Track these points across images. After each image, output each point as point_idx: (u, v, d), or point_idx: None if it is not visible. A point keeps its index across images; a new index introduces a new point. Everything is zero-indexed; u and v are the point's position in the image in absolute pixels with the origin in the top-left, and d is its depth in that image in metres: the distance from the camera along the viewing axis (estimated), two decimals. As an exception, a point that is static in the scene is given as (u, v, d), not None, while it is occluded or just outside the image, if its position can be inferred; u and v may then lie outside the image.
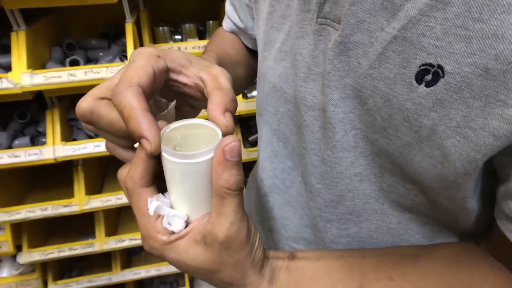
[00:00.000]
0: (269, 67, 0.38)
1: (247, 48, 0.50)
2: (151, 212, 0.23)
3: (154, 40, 1.04)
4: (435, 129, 0.24)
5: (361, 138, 0.30)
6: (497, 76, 0.21)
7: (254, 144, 1.29)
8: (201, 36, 1.14)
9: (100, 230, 1.14)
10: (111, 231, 1.21)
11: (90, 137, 1.00)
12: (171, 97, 0.28)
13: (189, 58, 0.27)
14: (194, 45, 0.99)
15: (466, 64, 0.21)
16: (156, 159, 0.23)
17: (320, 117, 0.32)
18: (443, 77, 0.22)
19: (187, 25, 1.07)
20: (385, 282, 0.28)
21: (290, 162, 0.39)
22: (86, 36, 1.03)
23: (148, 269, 1.26)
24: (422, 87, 0.24)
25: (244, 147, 1.22)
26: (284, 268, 0.28)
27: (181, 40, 1.10)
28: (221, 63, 0.38)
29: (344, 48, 0.28)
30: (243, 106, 1.10)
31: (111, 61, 0.95)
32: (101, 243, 1.13)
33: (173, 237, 0.24)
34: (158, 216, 0.24)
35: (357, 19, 0.26)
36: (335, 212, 0.35)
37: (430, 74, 0.23)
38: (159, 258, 1.18)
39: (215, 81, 0.25)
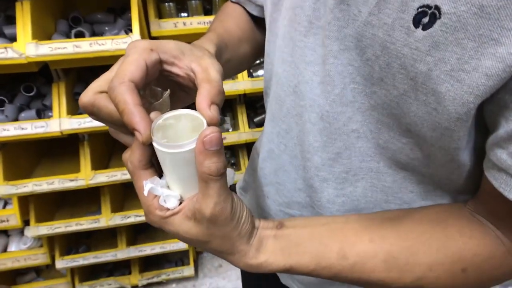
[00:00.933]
0: (278, 27, 0.38)
1: (253, 18, 0.50)
2: (145, 193, 0.26)
3: (160, 15, 1.03)
4: (430, 74, 0.25)
5: (359, 92, 0.31)
6: (491, 14, 0.21)
7: (259, 125, 1.28)
8: (207, 13, 1.13)
9: (106, 206, 1.16)
10: (117, 208, 1.22)
11: (96, 111, 1.00)
12: (166, 86, 0.30)
13: (182, 49, 0.29)
14: (199, 20, 0.98)
15: (463, 3, 0.22)
16: (151, 147, 0.26)
17: (319, 71, 0.32)
18: (439, 18, 0.23)
19: (193, 2, 1.06)
20: (365, 244, 0.30)
21: (284, 125, 0.39)
22: (92, 10, 1.02)
23: (153, 246, 1.27)
24: (419, 30, 0.24)
25: (249, 127, 1.21)
26: (271, 237, 0.30)
27: (187, 16, 1.09)
28: (222, 45, 0.39)
29: None
30: (249, 84, 1.09)
31: (117, 34, 0.95)
32: (106, 218, 1.15)
33: (168, 213, 0.27)
34: (155, 196, 0.27)
35: None
36: (332, 171, 0.35)
37: (427, 17, 0.23)
38: (163, 236, 1.20)
39: (205, 73, 0.27)
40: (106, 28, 0.97)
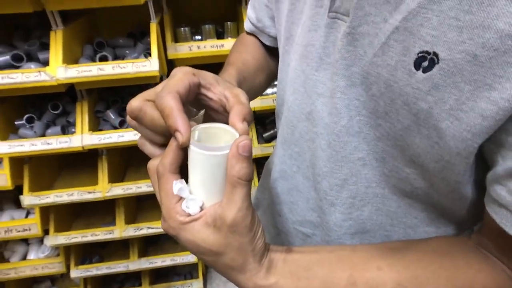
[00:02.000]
0: (291, 59, 0.41)
1: (266, 47, 0.55)
2: (175, 191, 0.28)
3: (176, 39, 1.12)
4: (431, 112, 0.27)
5: (365, 124, 0.33)
6: (484, 62, 0.23)
7: (268, 140, 1.33)
8: (220, 36, 1.21)
9: (120, 218, 1.21)
10: (130, 220, 1.28)
11: (115, 127, 1.07)
12: (200, 109, 0.33)
13: (217, 78, 0.33)
14: (212, 44, 1.05)
15: (458, 51, 0.24)
16: (184, 152, 0.28)
17: (328, 103, 0.35)
18: (438, 63, 0.25)
19: (206, 26, 1.14)
20: (373, 272, 0.30)
21: (297, 149, 0.42)
22: (114, 35, 1.11)
23: (163, 258, 1.31)
24: (420, 73, 0.26)
25: (258, 143, 1.26)
26: (281, 260, 0.31)
27: (201, 39, 1.17)
28: (241, 78, 0.43)
29: (351, 38, 0.31)
30: (258, 103, 1.15)
31: (137, 58, 1.03)
32: (120, 230, 1.20)
33: (188, 218, 0.28)
34: (179, 200, 0.28)
35: (364, 12, 0.30)
36: (339, 196, 0.37)
37: (426, 61, 0.26)
38: (173, 248, 1.23)
39: (236, 98, 0.31)
40: (127, 51, 1.06)
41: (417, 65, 0.26)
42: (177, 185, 0.28)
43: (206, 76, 0.32)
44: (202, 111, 0.33)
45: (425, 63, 0.26)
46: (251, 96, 0.50)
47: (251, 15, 0.53)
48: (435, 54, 0.25)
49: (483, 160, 0.28)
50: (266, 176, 0.55)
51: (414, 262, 0.31)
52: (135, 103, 0.29)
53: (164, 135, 0.30)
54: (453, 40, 0.24)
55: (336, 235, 0.39)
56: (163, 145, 0.31)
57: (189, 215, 0.28)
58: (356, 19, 0.30)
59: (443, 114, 0.26)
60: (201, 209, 0.28)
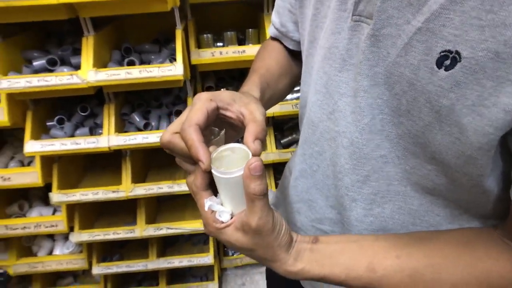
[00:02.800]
0: (314, 61, 0.43)
1: (289, 51, 0.56)
2: (206, 208, 0.34)
3: (199, 45, 1.15)
4: (453, 108, 0.28)
5: (387, 122, 0.34)
6: (506, 59, 0.24)
7: (286, 146, 1.34)
8: (241, 42, 1.24)
9: (141, 218, 1.25)
10: (151, 220, 1.31)
11: (139, 129, 1.12)
12: (222, 126, 0.38)
13: (234, 97, 0.36)
14: (234, 50, 1.08)
15: (480, 49, 0.25)
16: (210, 173, 0.33)
17: (351, 103, 0.36)
18: (460, 61, 0.26)
19: (228, 33, 1.17)
20: (392, 260, 0.33)
21: (317, 148, 0.43)
22: (140, 41, 1.16)
23: (181, 259, 1.34)
24: (442, 71, 0.27)
25: (276, 148, 1.28)
26: (308, 249, 0.35)
27: (223, 46, 1.20)
28: (264, 85, 0.46)
29: (375, 40, 0.32)
30: (277, 108, 1.16)
31: (162, 63, 1.07)
32: (141, 229, 1.23)
33: (222, 225, 0.34)
34: (213, 212, 0.34)
35: (387, 14, 0.31)
36: (361, 192, 0.39)
37: (449, 60, 0.27)
38: (190, 250, 1.26)
39: (251, 115, 0.34)
40: (152, 57, 1.10)
41: (439, 63, 0.27)
42: (208, 203, 0.33)
43: (223, 98, 0.35)
44: (223, 131, 0.37)
45: (447, 62, 0.27)
46: (275, 100, 0.52)
47: (275, 20, 0.55)
48: (457, 52, 0.26)
49: (505, 152, 0.29)
50: (287, 176, 0.57)
51: (433, 251, 0.33)
52: (165, 138, 0.34)
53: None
54: (475, 38, 0.25)
55: (357, 230, 0.41)
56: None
57: (222, 222, 0.33)
58: (379, 21, 0.32)
59: (465, 110, 0.27)
60: (231, 216, 0.34)
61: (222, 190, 0.33)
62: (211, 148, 0.34)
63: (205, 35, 1.15)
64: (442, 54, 0.27)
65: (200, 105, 0.33)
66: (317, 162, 0.44)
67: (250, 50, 1.08)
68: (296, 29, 0.52)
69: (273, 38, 0.57)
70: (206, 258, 1.33)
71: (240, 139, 0.36)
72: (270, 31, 0.57)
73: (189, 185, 0.35)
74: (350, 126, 0.37)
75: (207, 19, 1.27)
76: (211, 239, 1.39)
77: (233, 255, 1.55)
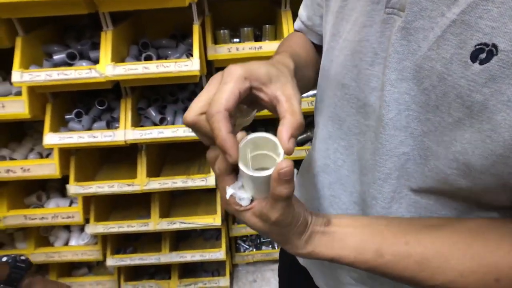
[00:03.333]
0: (335, 55, 0.42)
1: (314, 46, 0.55)
2: (227, 196, 0.33)
3: (216, 41, 1.15)
4: (487, 104, 0.27)
5: (413, 118, 0.33)
6: None
7: (300, 144, 1.33)
8: (257, 39, 1.23)
9: (155, 211, 1.26)
10: (164, 214, 1.32)
11: (155, 124, 1.12)
12: (253, 106, 0.35)
13: (270, 75, 0.31)
14: (250, 46, 1.08)
15: None
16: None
17: (378, 97, 0.36)
18: (496, 54, 0.25)
19: (245, 29, 1.16)
20: (400, 246, 0.33)
21: (343, 142, 0.42)
22: (157, 36, 1.17)
23: (193, 253, 1.35)
24: (476, 65, 0.26)
25: (290, 145, 1.27)
26: (320, 233, 0.36)
27: (239, 42, 1.20)
28: (295, 64, 0.42)
29: (405, 33, 0.31)
30: (293, 105, 1.15)
31: (179, 58, 1.07)
32: (155, 223, 1.25)
33: (241, 208, 0.34)
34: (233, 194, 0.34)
35: (420, 7, 0.30)
36: (381, 191, 0.38)
37: (484, 53, 0.26)
38: (202, 245, 1.28)
39: (289, 103, 0.30)
40: (169, 52, 1.10)
41: (474, 57, 0.26)
42: (229, 190, 0.33)
43: (259, 76, 0.31)
44: (255, 111, 0.34)
45: (483, 55, 0.26)
46: (302, 89, 0.50)
47: (302, 14, 0.54)
48: (494, 45, 0.25)
49: None
50: (303, 174, 0.56)
51: (442, 239, 0.33)
52: (189, 119, 0.31)
53: None
54: None
55: None
56: None
57: (242, 206, 0.33)
58: (411, 14, 0.31)
59: (499, 105, 0.26)
60: (251, 201, 0.34)
61: (246, 182, 0.32)
62: (239, 136, 0.31)
63: (221, 30, 1.14)
64: (477, 47, 0.26)
65: (232, 85, 0.29)
66: (342, 157, 0.43)
67: (266, 47, 1.07)
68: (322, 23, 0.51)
69: (298, 31, 0.56)
70: (218, 254, 1.34)
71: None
72: (295, 24, 0.56)
73: (210, 161, 0.34)
74: (378, 120, 0.36)
75: (224, 14, 1.26)
76: (223, 235, 1.39)
77: (244, 251, 1.56)
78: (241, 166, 0.30)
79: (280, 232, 0.34)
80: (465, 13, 0.27)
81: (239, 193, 0.33)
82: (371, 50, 0.36)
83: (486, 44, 0.26)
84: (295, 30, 0.57)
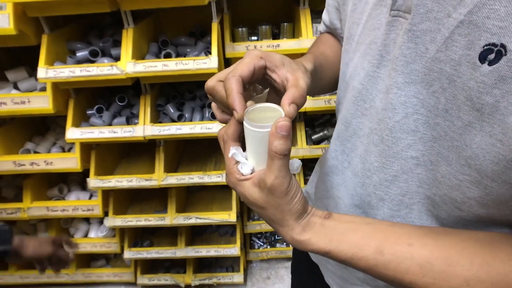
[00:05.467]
0: (349, 58, 0.42)
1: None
2: (229, 154, 0.34)
3: (234, 39, 1.16)
4: (498, 106, 0.26)
5: (422, 123, 0.33)
6: None
7: (316, 142, 1.33)
8: (275, 37, 1.23)
9: (171, 206, 1.28)
10: (180, 209, 1.34)
11: (173, 121, 1.14)
12: (266, 86, 0.38)
13: (284, 61, 0.36)
14: (268, 44, 1.08)
15: None
16: (242, 126, 0.34)
17: (383, 99, 0.36)
18: (505, 55, 0.24)
19: (263, 27, 1.17)
20: (404, 246, 0.31)
21: (349, 144, 0.43)
22: (176, 34, 1.18)
23: (208, 249, 1.37)
24: (485, 66, 0.26)
25: (307, 144, 1.26)
26: (319, 223, 0.35)
27: (257, 40, 1.20)
28: (317, 64, 0.45)
29: (412, 35, 0.31)
30: (310, 103, 1.15)
31: (197, 55, 1.08)
32: (171, 218, 1.27)
33: (242, 177, 0.34)
34: (236, 162, 0.35)
35: (426, 8, 0.30)
36: (389, 192, 0.38)
37: (493, 53, 0.25)
38: (217, 240, 1.30)
39: (295, 81, 0.34)
40: (188, 49, 1.12)
41: (483, 58, 0.26)
42: (232, 150, 0.34)
43: (273, 59, 0.35)
44: (267, 90, 0.37)
45: (492, 56, 0.25)
46: (326, 85, 0.52)
47: (324, 18, 0.55)
48: (502, 45, 0.25)
49: None
50: (318, 172, 0.57)
51: (450, 245, 0.31)
52: (210, 83, 0.35)
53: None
54: None
55: None
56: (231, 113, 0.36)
57: (243, 175, 0.34)
58: (417, 16, 0.30)
59: (510, 107, 0.25)
60: (252, 171, 0.35)
61: (249, 144, 0.34)
62: (249, 103, 0.34)
63: (239, 28, 1.15)
64: (485, 48, 0.25)
65: (249, 60, 0.34)
66: (348, 159, 0.44)
67: (284, 45, 1.07)
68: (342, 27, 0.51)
69: (328, 32, 0.57)
70: (233, 249, 1.35)
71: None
72: (320, 27, 0.58)
73: (220, 136, 0.36)
74: (381, 123, 0.36)
75: (242, 12, 1.27)
76: (238, 231, 1.41)
77: (259, 248, 1.57)
78: (246, 122, 0.33)
79: (276, 205, 0.33)
80: (472, 13, 0.26)
81: (242, 159, 0.34)
82: (378, 52, 0.36)
83: (494, 45, 0.25)
84: (322, 32, 0.58)
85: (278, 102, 0.38)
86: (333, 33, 0.55)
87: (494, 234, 0.32)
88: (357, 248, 0.33)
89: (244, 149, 0.35)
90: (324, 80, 0.50)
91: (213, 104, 0.38)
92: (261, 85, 0.38)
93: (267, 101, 0.37)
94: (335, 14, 0.51)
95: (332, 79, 0.51)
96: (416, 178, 0.35)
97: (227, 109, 0.35)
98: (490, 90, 0.26)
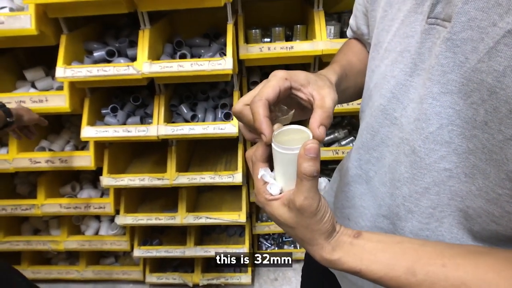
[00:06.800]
0: (376, 65, 0.42)
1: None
2: (258, 176, 0.35)
3: (247, 41, 1.17)
4: None
5: (458, 134, 0.32)
6: None
7: (327, 144, 1.33)
8: (288, 38, 1.24)
9: (182, 206, 1.30)
10: (190, 208, 1.36)
11: (186, 121, 1.15)
12: (292, 105, 0.38)
13: (309, 79, 0.36)
14: (282, 45, 1.08)
15: None
16: (270, 147, 0.35)
17: (416, 109, 0.35)
18: None
19: (276, 29, 1.17)
20: (437, 267, 0.30)
21: (376, 154, 0.42)
22: (190, 35, 1.20)
23: (217, 249, 1.37)
24: None
25: (317, 146, 1.27)
26: (348, 242, 0.35)
27: (270, 41, 1.21)
28: (343, 74, 0.46)
29: (451, 44, 0.30)
30: (321, 105, 1.15)
31: (211, 57, 1.10)
32: (181, 217, 1.28)
33: (271, 197, 0.35)
34: (265, 183, 0.36)
35: (469, 17, 0.29)
36: (419, 205, 0.37)
37: None
38: (226, 240, 1.31)
39: (322, 101, 0.34)
40: (202, 51, 1.13)
41: None
42: (261, 171, 0.36)
43: (298, 78, 0.36)
44: (293, 111, 0.38)
45: None
46: (353, 93, 0.51)
47: (351, 23, 0.55)
48: None
49: None
50: (337, 180, 0.56)
51: (485, 265, 0.30)
52: (237, 107, 0.37)
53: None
54: None
55: None
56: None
57: (272, 195, 0.35)
58: (458, 24, 0.30)
59: None
60: (281, 192, 0.36)
61: (277, 165, 0.35)
62: (276, 126, 0.35)
63: (253, 30, 1.16)
64: None
65: (274, 82, 0.35)
66: (374, 168, 0.43)
67: (298, 47, 1.08)
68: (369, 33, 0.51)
69: (355, 38, 0.57)
70: (241, 250, 1.36)
71: (306, 122, 0.37)
72: (347, 33, 0.58)
73: (248, 158, 0.37)
74: (413, 133, 0.35)
75: (256, 14, 1.28)
76: (246, 232, 1.41)
77: (266, 249, 1.57)
78: (274, 145, 0.34)
79: (306, 225, 0.33)
80: None
81: (270, 180, 0.36)
82: (411, 61, 0.36)
83: None
84: (350, 38, 0.58)
85: (303, 117, 0.39)
86: (360, 39, 0.55)
87: None
88: (388, 269, 0.32)
89: (272, 169, 0.36)
90: (350, 89, 0.50)
91: (240, 124, 0.39)
92: (288, 104, 0.39)
93: (293, 120, 0.38)
94: (362, 19, 0.51)
95: (358, 87, 0.51)
96: (448, 191, 0.34)
97: (255, 131, 0.36)
98: None
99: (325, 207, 0.34)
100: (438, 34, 0.33)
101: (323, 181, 0.40)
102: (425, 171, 0.35)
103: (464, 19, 0.29)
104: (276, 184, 0.35)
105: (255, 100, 0.34)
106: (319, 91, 0.35)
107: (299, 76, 0.36)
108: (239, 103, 0.37)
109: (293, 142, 0.34)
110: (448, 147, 0.33)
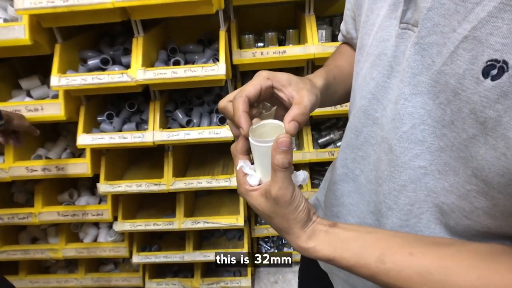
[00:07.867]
0: (360, 68, 0.44)
1: None
2: (237, 167, 0.38)
3: (240, 46, 1.18)
4: (500, 120, 0.26)
5: (429, 133, 0.33)
6: None
7: (323, 146, 1.34)
8: (281, 43, 1.25)
9: (180, 211, 1.30)
10: (188, 213, 1.36)
11: (182, 126, 1.16)
12: (275, 103, 0.42)
13: (290, 80, 0.39)
14: (275, 50, 1.10)
15: None
16: (249, 141, 0.37)
17: (392, 109, 0.37)
18: (507, 71, 0.25)
19: (269, 34, 1.19)
20: (404, 256, 0.33)
21: (361, 152, 0.44)
22: (184, 42, 1.21)
23: (216, 253, 1.37)
24: (488, 81, 0.26)
25: (313, 148, 1.28)
26: (323, 231, 0.37)
27: (263, 46, 1.22)
28: (331, 77, 0.48)
29: (419, 48, 0.32)
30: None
31: (205, 63, 1.11)
32: (179, 222, 1.29)
33: (250, 188, 0.38)
34: (245, 174, 0.38)
35: (433, 22, 0.31)
36: (397, 202, 0.38)
37: (495, 69, 0.26)
38: (225, 245, 1.31)
39: (299, 99, 0.37)
40: (196, 57, 1.14)
41: (485, 73, 0.26)
42: (240, 163, 0.38)
43: (280, 79, 0.39)
44: (275, 107, 0.41)
45: (494, 71, 0.26)
46: (342, 96, 0.53)
47: (342, 27, 0.57)
48: (504, 62, 0.25)
49: None
50: (328, 178, 0.57)
51: (448, 255, 0.32)
52: (222, 104, 0.40)
53: None
54: None
55: None
56: None
57: (251, 186, 0.38)
58: (424, 29, 0.32)
59: None
60: (260, 183, 0.38)
61: (255, 158, 0.37)
62: (255, 120, 0.38)
63: (246, 35, 1.17)
64: (488, 63, 0.26)
65: (256, 81, 0.38)
66: (360, 166, 0.44)
67: (290, 51, 1.09)
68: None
69: (345, 43, 0.59)
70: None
71: None
72: (338, 37, 0.60)
73: (232, 150, 0.40)
74: (390, 132, 0.37)
75: (249, 19, 1.29)
76: (245, 235, 1.42)
77: (266, 252, 1.57)
78: (250, 138, 0.36)
79: (282, 214, 0.36)
80: (476, 29, 0.27)
81: (249, 171, 0.38)
82: (388, 63, 0.38)
83: (497, 61, 0.26)
84: (342, 42, 0.60)
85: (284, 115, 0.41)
86: (350, 42, 0.56)
87: (494, 246, 0.32)
88: (359, 256, 0.34)
89: (252, 163, 0.39)
90: (340, 92, 0.51)
91: (228, 121, 0.42)
92: (272, 103, 0.42)
93: (276, 117, 0.41)
94: (351, 24, 0.53)
95: (347, 90, 0.52)
96: (424, 187, 0.36)
97: (237, 125, 0.39)
98: (492, 105, 0.26)
99: (299, 197, 0.36)
100: (409, 38, 0.35)
101: (302, 174, 0.42)
102: (401, 169, 0.37)
103: (429, 25, 0.31)
104: (255, 176, 0.38)
105: (236, 97, 0.37)
106: (299, 92, 0.38)
107: (281, 77, 0.39)
108: (224, 100, 0.40)
109: (270, 135, 0.36)
110: (422, 145, 0.34)
